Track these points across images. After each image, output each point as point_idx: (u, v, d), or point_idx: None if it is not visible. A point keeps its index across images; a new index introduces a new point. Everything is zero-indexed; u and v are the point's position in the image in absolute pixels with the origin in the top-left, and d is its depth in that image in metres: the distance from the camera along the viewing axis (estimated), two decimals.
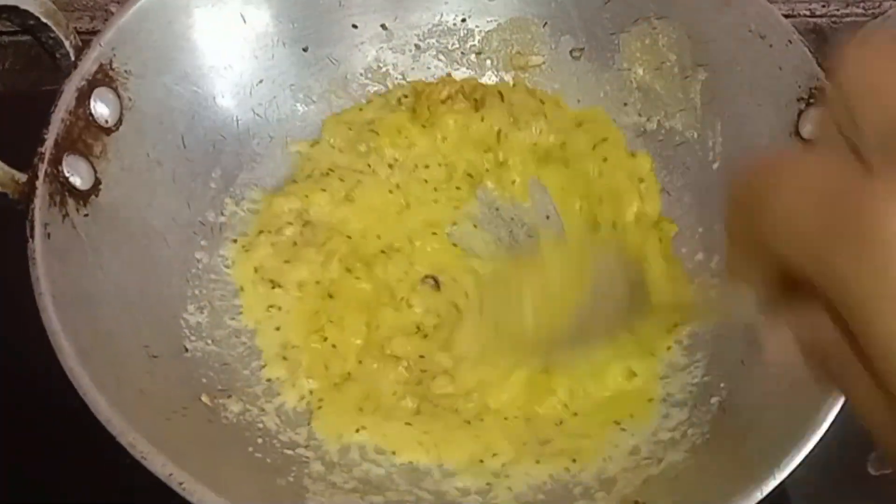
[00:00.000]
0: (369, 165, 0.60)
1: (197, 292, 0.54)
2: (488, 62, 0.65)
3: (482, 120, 0.61)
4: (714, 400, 0.50)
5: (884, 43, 0.24)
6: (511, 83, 0.65)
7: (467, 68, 0.65)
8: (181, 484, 0.37)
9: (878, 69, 0.23)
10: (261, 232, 0.57)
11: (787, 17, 0.54)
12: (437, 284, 0.56)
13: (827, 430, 0.41)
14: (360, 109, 0.63)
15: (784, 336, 0.26)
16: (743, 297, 0.27)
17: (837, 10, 0.75)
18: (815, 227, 0.22)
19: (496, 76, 0.65)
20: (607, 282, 0.43)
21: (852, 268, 0.21)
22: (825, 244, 0.22)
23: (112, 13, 0.54)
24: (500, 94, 0.62)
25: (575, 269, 0.44)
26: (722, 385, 0.50)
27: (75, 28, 0.51)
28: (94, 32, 0.51)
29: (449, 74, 0.65)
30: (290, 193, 0.59)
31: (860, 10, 0.75)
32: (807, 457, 0.40)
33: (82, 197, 0.47)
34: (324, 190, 0.59)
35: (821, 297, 0.23)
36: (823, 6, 0.75)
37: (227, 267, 0.56)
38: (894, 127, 0.22)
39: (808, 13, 0.75)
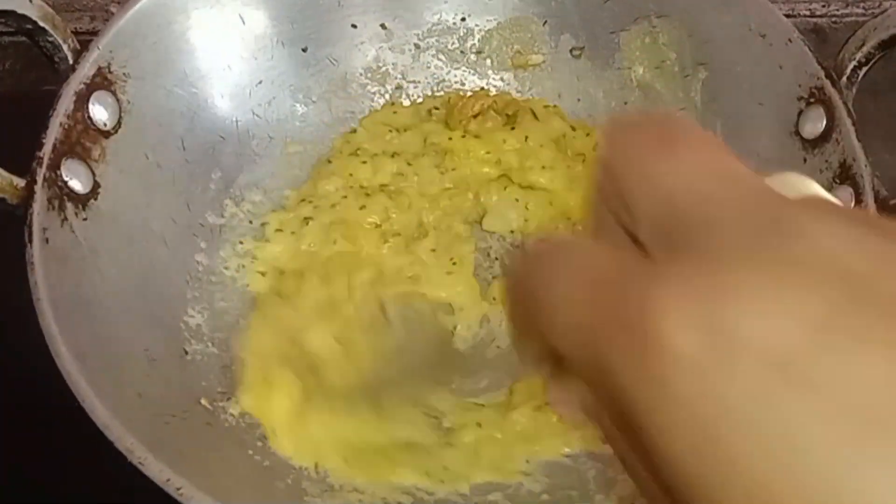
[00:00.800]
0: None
1: (197, 294, 0.54)
2: (488, 61, 0.65)
3: (526, 140, 0.60)
4: None
5: (648, 127, 0.22)
6: (542, 104, 0.63)
7: (467, 67, 0.65)
8: (178, 489, 0.38)
9: (644, 156, 0.21)
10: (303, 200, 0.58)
11: (787, 16, 0.54)
12: None
13: None
14: (395, 112, 0.63)
15: (565, 396, 0.23)
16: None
17: (838, 10, 0.75)
18: (587, 324, 0.19)
19: (496, 75, 0.65)
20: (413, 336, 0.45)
21: (628, 374, 0.18)
22: (597, 346, 0.19)
23: (112, 13, 0.54)
24: (534, 113, 0.62)
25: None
26: None
27: (76, 28, 0.51)
28: (95, 32, 0.51)
29: (483, 88, 0.64)
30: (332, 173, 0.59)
31: (860, 10, 0.74)
32: None
33: (81, 201, 0.47)
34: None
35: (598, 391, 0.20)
36: (824, 6, 0.75)
37: (227, 269, 0.56)
38: (666, 215, 0.20)
39: (808, 13, 0.75)
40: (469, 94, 0.63)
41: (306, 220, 0.57)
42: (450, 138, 0.60)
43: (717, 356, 0.16)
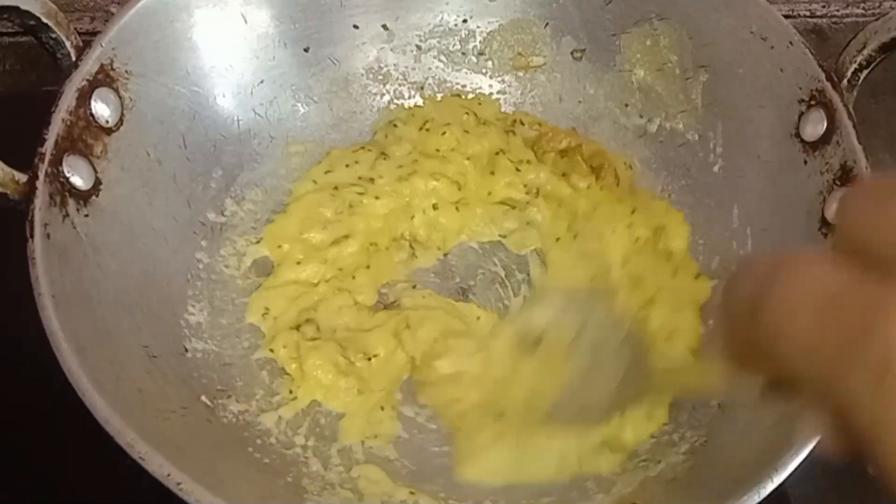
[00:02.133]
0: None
1: (197, 292, 0.54)
2: (490, 63, 0.65)
3: (632, 213, 0.59)
4: (713, 402, 0.50)
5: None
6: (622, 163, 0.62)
7: (468, 69, 0.65)
8: (179, 484, 0.37)
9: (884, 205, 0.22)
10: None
11: (787, 17, 0.54)
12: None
13: None
14: (480, 103, 0.65)
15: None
16: (745, 383, 0.26)
17: (837, 10, 0.75)
18: (818, 337, 0.21)
19: (498, 77, 0.65)
20: (604, 354, 0.41)
21: (864, 388, 0.19)
22: (830, 356, 0.20)
23: (112, 14, 0.54)
24: (616, 173, 0.61)
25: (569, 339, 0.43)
26: None
27: (75, 29, 0.51)
28: (95, 33, 0.51)
29: (574, 129, 0.64)
30: None
31: (860, 11, 0.75)
32: (806, 457, 0.40)
33: (82, 197, 0.47)
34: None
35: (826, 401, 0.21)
36: (824, 6, 0.75)
37: (227, 267, 0.56)
38: None
39: (808, 13, 0.75)
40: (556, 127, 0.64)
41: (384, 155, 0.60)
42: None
43: None
